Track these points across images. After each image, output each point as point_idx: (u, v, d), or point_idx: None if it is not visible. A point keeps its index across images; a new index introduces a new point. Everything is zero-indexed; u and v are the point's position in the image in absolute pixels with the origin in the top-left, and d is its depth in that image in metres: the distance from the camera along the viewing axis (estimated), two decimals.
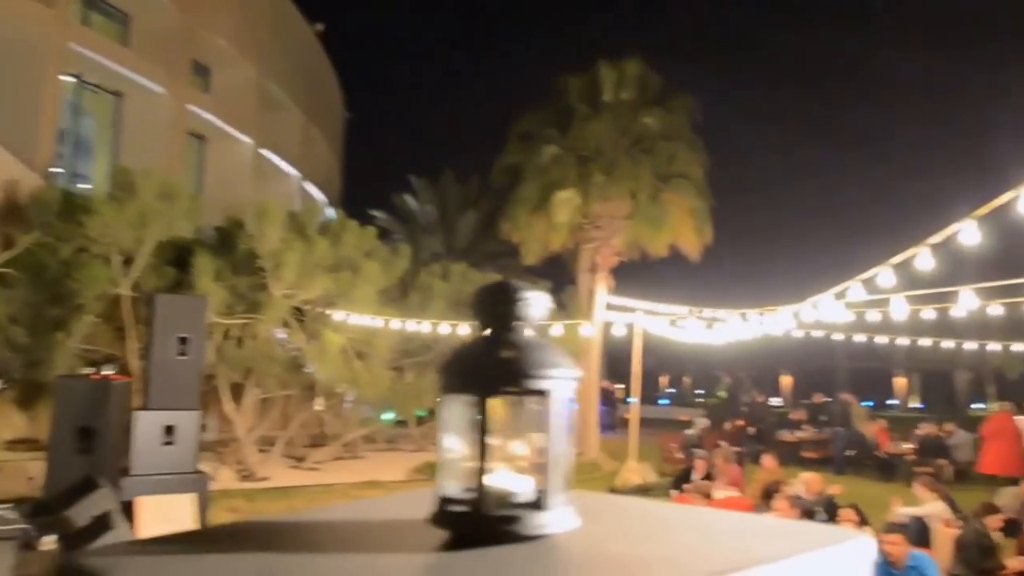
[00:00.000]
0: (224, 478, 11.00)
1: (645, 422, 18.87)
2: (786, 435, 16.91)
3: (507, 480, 1.05)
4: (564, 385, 1.05)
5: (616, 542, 1.06)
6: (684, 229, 17.40)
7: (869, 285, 6.95)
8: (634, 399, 14.50)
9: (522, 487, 1.04)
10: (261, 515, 7.35)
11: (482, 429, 1.02)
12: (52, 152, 14.67)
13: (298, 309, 11.57)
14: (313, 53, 21.92)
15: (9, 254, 10.07)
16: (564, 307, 18.73)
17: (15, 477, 8.27)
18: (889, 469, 13.67)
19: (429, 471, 13.26)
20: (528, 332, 1.08)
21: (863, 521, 7.06)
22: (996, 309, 8.65)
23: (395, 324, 12.23)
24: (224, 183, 16.76)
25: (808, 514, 8.23)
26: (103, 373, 7.81)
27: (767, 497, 7.65)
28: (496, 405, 1.03)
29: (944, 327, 12.15)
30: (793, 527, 1.21)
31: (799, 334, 14.08)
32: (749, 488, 10.98)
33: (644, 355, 14.50)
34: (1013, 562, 6.91)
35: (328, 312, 12.16)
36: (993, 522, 7.36)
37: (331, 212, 18.57)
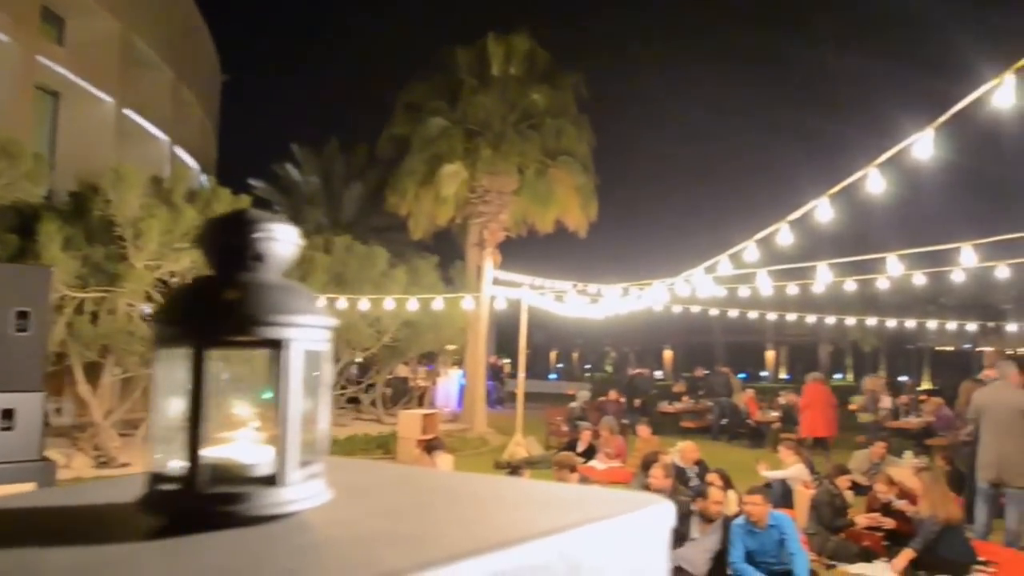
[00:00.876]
0: (79, 465, 10.25)
1: (534, 397, 19.07)
2: (666, 406, 17.44)
3: (239, 452, 0.87)
4: (307, 335, 0.87)
5: (371, 519, 0.90)
6: (570, 205, 17.55)
7: (736, 260, 7.13)
8: (521, 373, 14.54)
9: (255, 459, 0.86)
10: None
11: (196, 389, 0.83)
12: None
13: (164, 282, 10.86)
14: (185, 8, 20.56)
15: None
16: (452, 282, 18.58)
17: None
18: (758, 436, 14.34)
19: None
20: (268, 273, 0.90)
21: (727, 484, 7.29)
22: (851, 285, 9.13)
23: None
24: (82, 145, 15.48)
25: (683, 480, 8.47)
26: None
27: (646, 467, 7.80)
28: (219, 359, 0.85)
29: (808, 302, 12.77)
30: (596, 495, 1.08)
31: (679, 309, 14.50)
32: (631, 458, 11.24)
33: (533, 331, 14.55)
34: (861, 518, 7.32)
35: None
36: (843, 482, 7.77)
37: (206, 180, 17.55)
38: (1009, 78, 3.99)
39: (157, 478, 0.85)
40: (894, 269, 6.62)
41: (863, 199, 5.49)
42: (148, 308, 11.48)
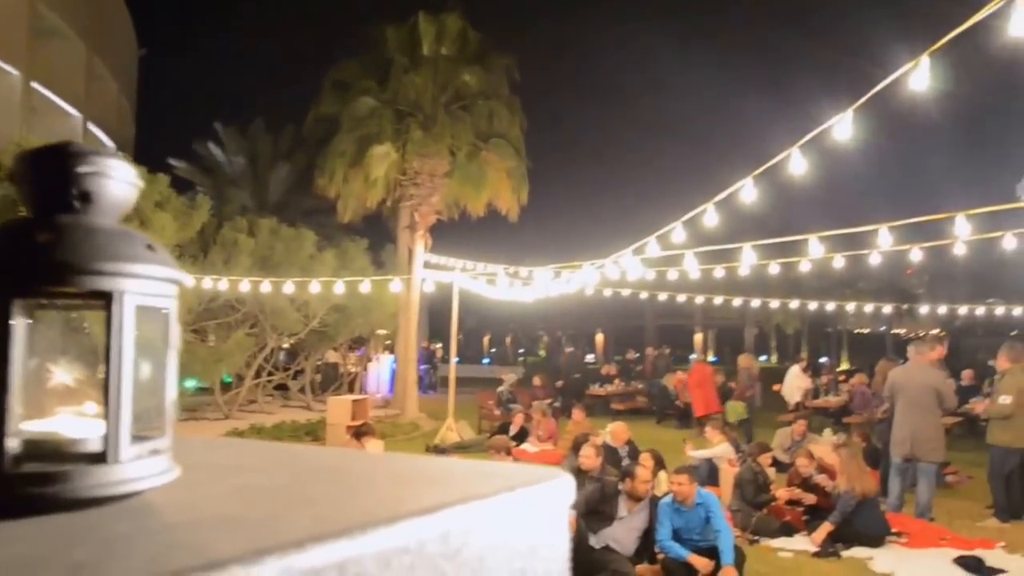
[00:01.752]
0: None
1: (467, 381, 18.99)
2: (597, 389, 17.60)
3: (63, 426, 0.74)
4: (144, 288, 0.74)
5: (221, 501, 0.78)
6: (502, 188, 17.45)
7: (664, 241, 7.17)
8: (452, 358, 14.43)
9: (79, 433, 0.74)
10: None
11: (2, 350, 0.69)
12: None
13: None
14: None
15: None
16: (383, 266, 18.29)
17: None
18: (686, 416, 14.61)
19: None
20: (98, 217, 0.76)
21: (659, 463, 7.37)
22: (775, 268, 9.31)
23: (189, 281, 11.26)
24: None
25: (614, 460, 8.52)
26: None
27: (576, 448, 7.82)
28: (36, 317, 0.72)
29: (735, 286, 13.02)
30: (491, 471, 0.99)
31: (610, 293, 14.61)
32: (562, 441, 11.29)
33: (466, 315, 14.46)
34: (782, 492, 7.49)
35: None
36: (765, 459, 7.95)
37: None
38: (925, 60, 4.05)
39: None
40: (816, 251, 6.76)
41: (786, 180, 5.55)
42: None
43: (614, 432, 9.48)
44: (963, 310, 11.97)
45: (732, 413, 12.94)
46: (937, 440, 7.43)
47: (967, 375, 13.63)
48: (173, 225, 12.22)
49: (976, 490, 8.39)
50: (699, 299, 13.22)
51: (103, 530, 0.66)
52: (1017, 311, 11.55)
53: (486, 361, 39.90)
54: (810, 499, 7.28)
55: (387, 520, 0.68)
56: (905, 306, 16.78)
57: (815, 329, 33.82)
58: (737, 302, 13.69)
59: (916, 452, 7.40)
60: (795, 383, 14.15)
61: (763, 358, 37.75)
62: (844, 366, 23.72)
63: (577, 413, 11.76)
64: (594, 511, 6.08)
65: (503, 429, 12.16)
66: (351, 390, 18.52)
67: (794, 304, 14.03)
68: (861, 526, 6.58)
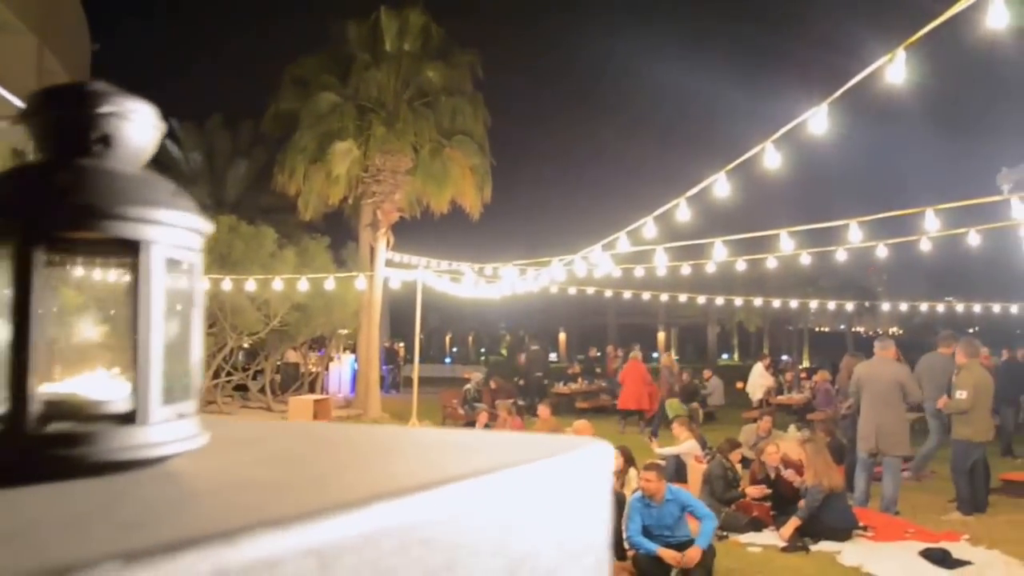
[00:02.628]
0: None
1: (430, 381, 18.85)
2: (561, 387, 17.63)
3: (88, 387, 0.68)
4: (172, 238, 0.68)
5: (254, 467, 0.72)
6: (466, 186, 17.37)
7: (634, 237, 7.18)
8: (416, 357, 14.30)
9: (106, 394, 0.68)
10: None
11: (22, 301, 0.63)
12: None
13: None
14: None
15: None
16: (345, 264, 18.07)
17: None
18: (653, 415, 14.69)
19: None
20: (119, 163, 0.70)
21: (629, 461, 7.38)
22: (741, 265, 9.41)
23: None
24: None
25: None
26: None
27: None
28: (58, 266, 0.65)
29: (699, 284, 13.14)
30: (525, 440, 0.94)
31: (573, 291, 14.63)
32: None
33: (428, 314, 14.33)
34: (752, 489, 7.57)
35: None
36: (735, 456, 8.02)
37: None
38: (901, 54, 4.09)
39: None
40: (786, 247, 6.83)
41: (758, 176, 5.58)
42: None
43: (578, 430, 9.47)
44: (923, 307, 12.25)
45: (671, 409, 13.24)
46: (902, 434, 7.58)
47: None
48: None
49: (938, 484, 8.57)
50: (664, 297, 13.31)
51: (141, 493, 0.60)
52: (976, 308, 11.86)
53: (448, 360, 39.71)
54: (762, 491, 7.36)
55: (424, 486, 0.63)
56: (867, 304, 17.14)
57: (777, 327, 34.38)
58: (701, 300, 13.83)
59: (881, 446, 7.53)
60: (759, 381, 14.36)
61: (725, 356, 38.28)
62: (805, 363, 24.14)
63: (543, 411, 11.74)
64: None
65: (468, 428, 12.10)
66: (312, 390, 18.26)
67: (758, 302, 14.23)
68: (829, 520, 6.66)
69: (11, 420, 0.62)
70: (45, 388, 0.64)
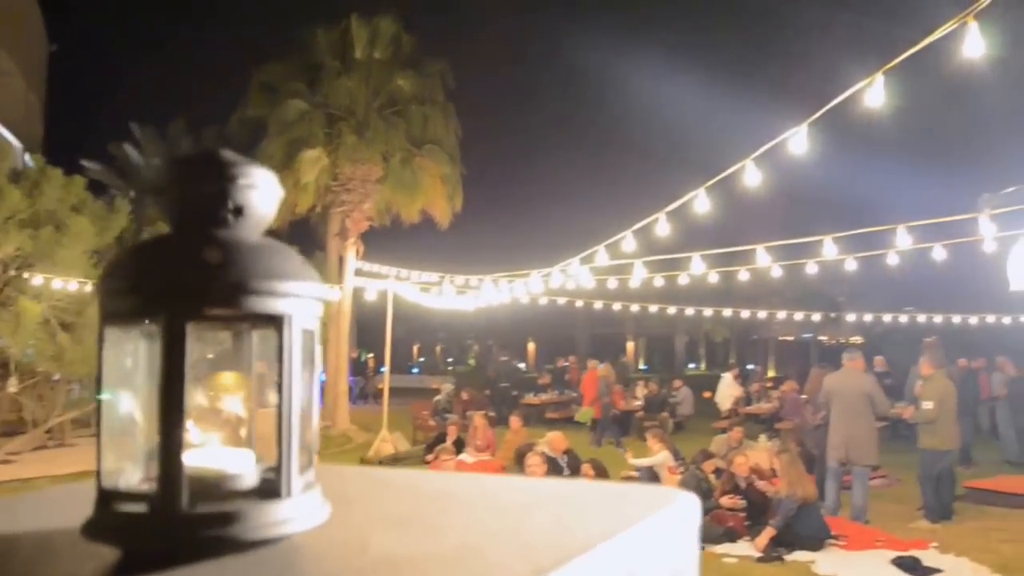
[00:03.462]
0: None
1: (397, 391, 18.71)
2: (532, 398, 17.63)
3: (212, 458, 0.68)
4: (307, 308, 0.69)
5: (390, 535, 0.73)
6: (436, 195, 17.34)
7: (612, 250, 7.24)
8: (386, 367, 14.20)
9: (239, 467, 0.68)
10: None
11: (173, 376, 0.63)
12: None
13: None
14: None
15: None
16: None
17: None
18: (624, 424, 14.80)
19: None
20: (249, 232, 0.71)
21: (602, 474, 7.42)
22: (713, 277, 9.54)
23: None
24: None
25: (554, 469, 8.54)
26: None
27: (520, 458, 7.80)
28: (195, 338, 0.65)
29: (669, 295, 13.29)
30: (598, 491, 0.96)
31: (544, 301, 14.68)
32: (500, 451, 11.24)
33: (396, 324, 14.24)
34: (725, 500, 7.66)
35: (24, 275, 10.35)
36: (708, 466, 8.12)
37: (30, 160, 15.85)
38: (879, 79, 4.20)
39: (111, 495, 0.65)
40: (761, 260, 6.96)
41: (737, 192, 5.67)
42: None
43: (552, 441, 9.49)
44: (887, 318, 12.58)
45: (581, 416, 13.59)
46: (871, 443, 7.75)
47: (878, 361, 13.77)
48: (91, 230, 11.64)
49: (905, 492, 8.77)
50: (634, 308, 13.44)
51: (309, 569, 0.60)
52: (937, 319, 12.21)
53: (415, 370, 39.47)
54: (735, 502, 7.46)
55: (568, 556, 0.64)
56: (833, 314, 17.52)
57: (743, 336, 34.88)
58: (672, 311, 13.99)
59: (851, 456, 7.69)
60: (728, 391, 14.55)
61: (692, 365, 38.69)
62: (771, 373, 24.51)
63: (515, 422, 11.76)
64: None
65: (439, 439, 12.05)
66: None
67: (727, 313, 14.45)
68: (802, 530, 6.78)
69: (163, 500, 0.62)
70: (188, 461, 0.64)
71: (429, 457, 11.09)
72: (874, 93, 4.24)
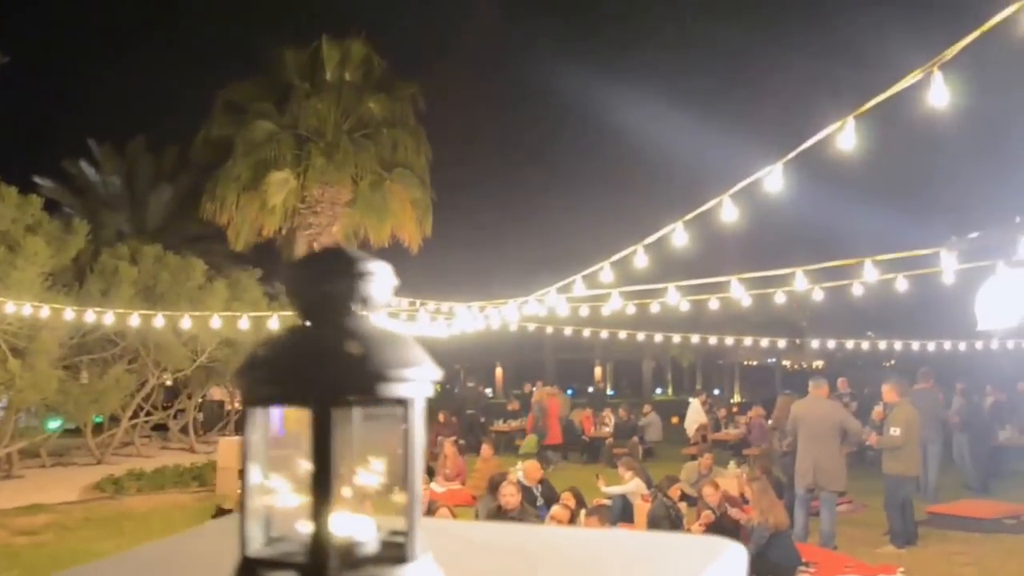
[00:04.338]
0: None
1: None
2: (501, 425, 17.59)
3: (348, 525, 0.76)
4: (424, 390, 0.78)
5: None
6: (406, 219, 17.39)
7: (589, 280, 7.36)
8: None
9: (365, 534, 0.76)
10: None
11: (324, 460, 0.71)
12: None
13: None
14: None
15: None
16: (277, 297, 17.67)
17: None
18: (593, 451, 14.90)
19: (111, 487, 11.64)
20: (371, 320, 0.79)
21: (580, 503, 7.47)
22: (685, 305, 9.70)
23: (68, 314, 10.38)
24: None
25: (529, 499, 8.56)
26: None
27: (494, 488, 7.81)
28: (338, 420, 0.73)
29: (638, 321, 13.45)
30: (670, 543, 1.06)
31: (513, 327, 14.73)
32: (471, 479, 11.19)
33: None
34: (695, 527, 7.74)
35: None
36: (674, 492, 8.20)
37: None
38: (851, 122, 4.40)
39: (257, 564, 0.72)
40: (734, 290, 7.15)
41: (713, 226, 5.83)
42: None
43: (527, 470, 9.48)
44: (849, 344, 12.92)
45: (526, 446, 13.75)
46: (838, 469, 7.94)
47: (842, 383, 14.07)
48: (46, 251, 11.38)
49: (871, 518, 8.96)
50: (604, 334, 13.59)
51: None
52: (898, 345, 12.57)
53: None
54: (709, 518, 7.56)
55: None
56: (798, 340, 17.91)
57: (708, 361, 35.29)
58: (640, 337, 14.17)
59: (819, 482, 7.87)
60: (696, 417, 14.74)
61: (659, 390, 38.98)
62: (736, 398, 24.84)
63: (486, 450, 11.72)
64: None
65: None
66: (238, 430, 17.61)
67: (695, 339, 14.67)
68: (775, 558, 6.89)
69: (314, 568, 0.69)
70: (334, 529, 0.72)
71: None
72: (845, 136, 4.43)
